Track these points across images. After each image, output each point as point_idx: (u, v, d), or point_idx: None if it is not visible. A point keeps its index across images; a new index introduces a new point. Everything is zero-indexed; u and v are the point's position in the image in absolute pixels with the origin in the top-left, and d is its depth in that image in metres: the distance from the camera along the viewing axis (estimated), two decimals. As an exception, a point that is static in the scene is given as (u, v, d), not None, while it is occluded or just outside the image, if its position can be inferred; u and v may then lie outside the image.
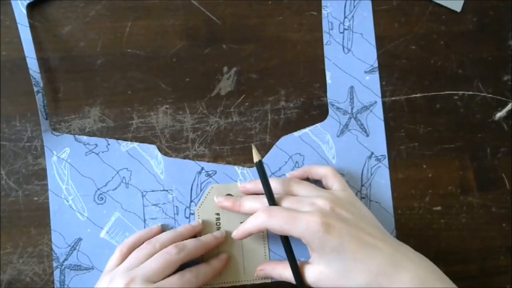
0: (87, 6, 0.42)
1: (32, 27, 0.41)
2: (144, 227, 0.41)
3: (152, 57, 0.42)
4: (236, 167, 0.42)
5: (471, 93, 0.43)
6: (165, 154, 0.42)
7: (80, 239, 0.41)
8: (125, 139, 0.42)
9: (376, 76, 0.43)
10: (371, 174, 0.42)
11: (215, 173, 0.41)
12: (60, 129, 0.42)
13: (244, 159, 0.42)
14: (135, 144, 0.42)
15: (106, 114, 0.42)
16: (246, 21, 0.43)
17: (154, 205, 0.41)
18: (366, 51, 0.43)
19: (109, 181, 0.41)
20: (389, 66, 0.43)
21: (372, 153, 0.42)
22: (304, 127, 0.42)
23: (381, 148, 0.42)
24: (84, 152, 0.41)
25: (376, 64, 0.43)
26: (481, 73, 0.43)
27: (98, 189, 0.41)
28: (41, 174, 0.41)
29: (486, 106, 0.43)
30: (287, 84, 0.43)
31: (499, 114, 0.43)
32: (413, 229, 0.42)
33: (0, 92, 0.41)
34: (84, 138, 0.41)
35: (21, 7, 0.41)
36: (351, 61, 0.43)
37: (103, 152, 0.41)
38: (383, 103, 0.43)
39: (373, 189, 0.42)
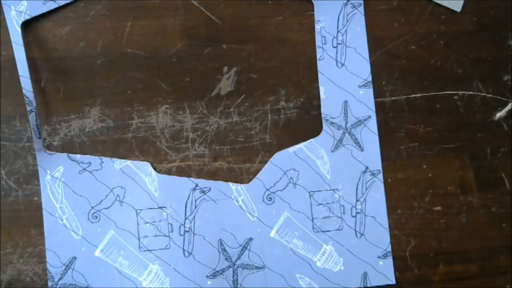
0: (87, 6, 0.42)
1: (32, 27, 0.41)
2: (139, 246, 0.41)
3: (152, 57, 0.42)
4: (230, 184, 0.41)
5: (471, 93, 0.43)
6: (165, 154, 0.42)
7: (75, 258, 0.40)
8: (125, 139, 0.42)
9: (370, 90, 0.42)
10: (366, 189, 0.42)
11: (210, 189, 0.41)
12: (60, 129, 0.42)
13: (244, 159, 0.42)
14: (129, 162, 0.41)
15: (106, 114, 0.42)
16: (246, 21, 0.43)
17: (149, 223, 0.41)
18: (360, 65, 0.42)
19: (103, 199, 0.41)
20: (389, 66, 0.43)
21: (367, 168, 0.42)
22: (304, 127, 0.42)
23: (376, 162, 0.42)
24: (77, 171, 0.41)
25: (370, 78, 0.42)
26: (481, 73, 0.43)
27: (92, 207, 0.41)
28: (41, 174, 0.41)
29: (486, 106, 0.43)
30: (287, 84, 0.43)
31: (499, 114, 0.43)
32: (413, 229, 0.42)
33: (0, 92, 0.41)
34: (78, 156, 0.41)
35: (16, 25, 0.41)
36: (344, 76, 0.42)
37: (96, 170, 0.41)
38: (383, 103, 0.43)
39: (368, 204, 0.42)
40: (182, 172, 0.42)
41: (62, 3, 0.41)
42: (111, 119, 0.42)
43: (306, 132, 0.42)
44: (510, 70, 0.43)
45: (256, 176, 0.42)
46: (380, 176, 0.42)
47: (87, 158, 0.41)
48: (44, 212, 0.41)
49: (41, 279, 0.41)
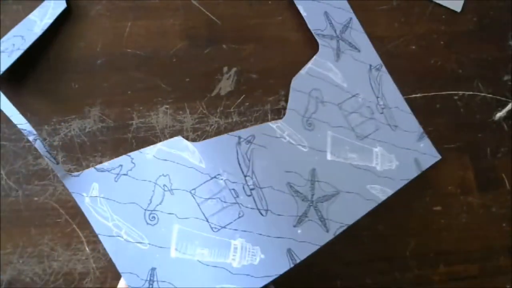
0: (87, 6, 0.42)
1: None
2: (211, 227, 0.37)
3: (152, 57, 0.42)
4: (270, 123, 0.40)
5: (471, 93, 0.43)
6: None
7: (154, 269, 0.36)
8: (125, 139, 0.42)
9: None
10: (379, 84, 0.42)
11: (254, 137, 0.39)
12: (60, 129, 0.42)
13: (244, 159, 0.42)
14: (159, 145, 0.37)
15: (106, 114, 0.42)
16: (246, 21, 0.43)
17: (209, 198, 0.37)
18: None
19: (151, 196, 0.37)
20: (389, 66, 0.43)
21: (370, 65, 0.43)
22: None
23: (375, 58, 0.43)
24: (112, 179, 0.37)
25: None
26: (481, 73, 0.43)
27: (145, 209, 0.36)
28: (41, 174, 0.41)
29: (486, 106, 0.43)
30: (287, 84, 0.43)
31: (499, 114, 0.43)
32: (413, 229, 0.42)
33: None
34: (106, 165, 0.37)
35: None
36: None
37: (130, 169, 0.37)
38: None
39: (386, 96, 0.42)
40: (182, 172, 0.42)
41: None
42: (111, 119, 0.42)
43: (306, 132, 0.42)
44: (510, 70, 0.43)
45: (287, 107, 0.41)
46: (384, 69, 0.43)
47: (116, 162, 0.37)
48: (100, 237, 0.36)
49: (41, 279, 0.41)
